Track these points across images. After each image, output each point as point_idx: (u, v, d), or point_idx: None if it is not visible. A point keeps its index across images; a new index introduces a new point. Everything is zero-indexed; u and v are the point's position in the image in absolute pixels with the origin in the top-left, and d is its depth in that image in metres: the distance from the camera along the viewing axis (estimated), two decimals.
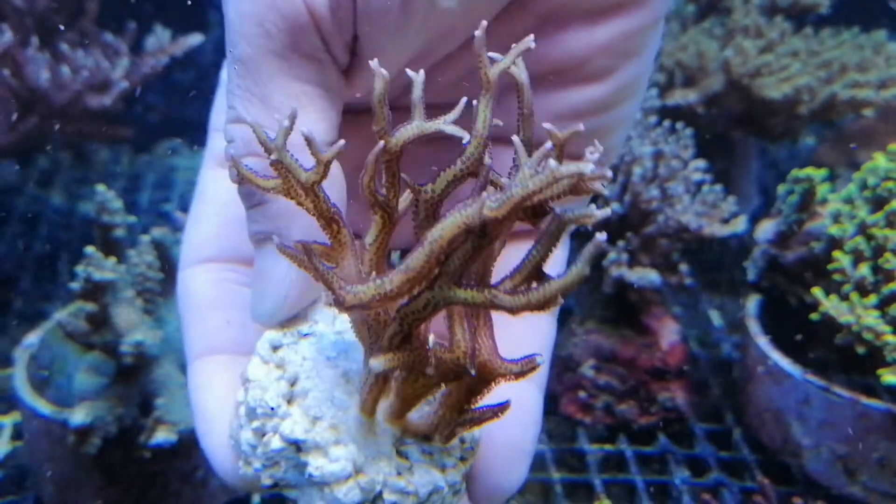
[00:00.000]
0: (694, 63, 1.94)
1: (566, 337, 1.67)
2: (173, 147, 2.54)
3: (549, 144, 0.41)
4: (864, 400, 1.40)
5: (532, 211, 0.40)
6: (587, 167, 0.38)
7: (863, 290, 1.43)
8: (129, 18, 2.03)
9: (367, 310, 0.42)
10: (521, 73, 0.44)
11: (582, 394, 1.61)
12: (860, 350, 1.39)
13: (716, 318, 1.93)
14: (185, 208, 1.86)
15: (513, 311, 0.39)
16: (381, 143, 0.42)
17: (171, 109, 2.54)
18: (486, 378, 0.43)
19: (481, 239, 0.39)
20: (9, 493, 1.46)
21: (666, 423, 1.60)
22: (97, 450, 1.27)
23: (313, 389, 0.46)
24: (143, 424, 1.29)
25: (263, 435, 0.46)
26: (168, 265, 1.44)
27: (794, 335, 1.56)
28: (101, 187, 1.41)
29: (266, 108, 0.46)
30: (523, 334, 0.50)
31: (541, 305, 0.39)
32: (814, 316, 1.45)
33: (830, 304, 1.42)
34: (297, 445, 0.45)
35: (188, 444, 1.33)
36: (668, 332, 1.62)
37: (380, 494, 0.45)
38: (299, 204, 0.45)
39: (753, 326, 1.57)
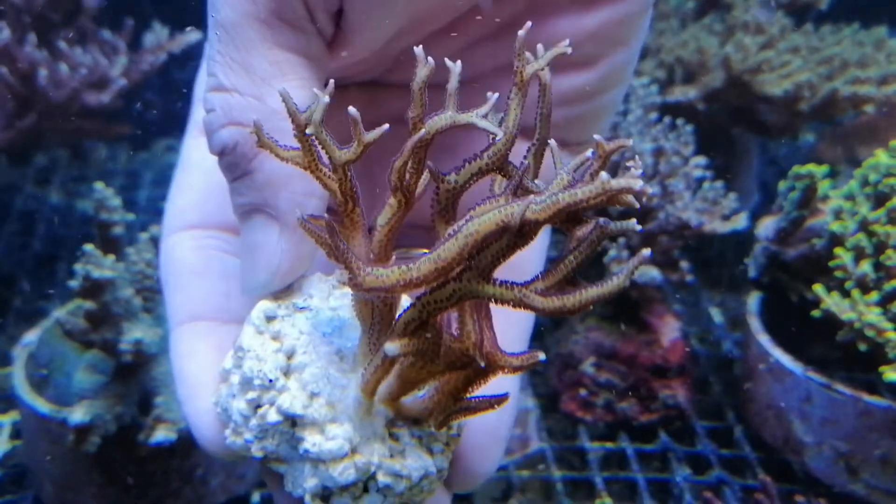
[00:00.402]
0: (694, 59, 1.93)
1: (567, 334, 1.66)
2: (171, 144, 2.53)
3: (590, 152, 0.41)
4: (866, 397, 1.39)
5: (567, 216, 0.41)
6: (637, 183, 0.38)
7: (864, 286, 1.42)
8: (126, 15, 2.02)
9: (386, 294, 0.42)
10: (546, 74, 0.45)
11: (583, 391, 1.60)
12: (862, 347, 1.39)
13: (716, 315, 1.93)
14: None
15: (544, 312, 0.40)
16: (422, 130, 0.42)
17: (168, 107, 2.54)
18: (488, 369, 0.43)
19: (518, 238, 0.39)
20: (8, 492, 1.45)
21: (667, 420, 1.60)
22: (96, 448, 1.26)
23: (310, 365, 0.46)
24: (143, 423, 1.29)
25: (258, 407, 0.46)
26: None
27: (795, 332, 1.56)
28: (99, 185, 1.40)
29: (248, 76, 0.46)
30: (501, 322, 0.50)
31: (574, 310, 0.40)
32: (815, 313, 1.45)
33: (832, 301, 1.42)
34: (293, 420, 0.45)
35: (188, 442, 1.32)
36: (669, 330, 1.61)
37: (374, 475, 0.45)
38: (319, 179, 0.44)
39: (754, 324, 1.57)
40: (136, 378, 1.30)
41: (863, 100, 1.83)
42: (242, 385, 0.47)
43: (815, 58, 1.86)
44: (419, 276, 0.40)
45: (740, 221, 1.60)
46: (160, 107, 2.54)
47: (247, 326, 0.48)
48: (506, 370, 0.42)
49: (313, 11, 0.46)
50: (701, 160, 1.60)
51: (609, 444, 1.57)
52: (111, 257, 1.29)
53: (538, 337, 1.79)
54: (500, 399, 0.45)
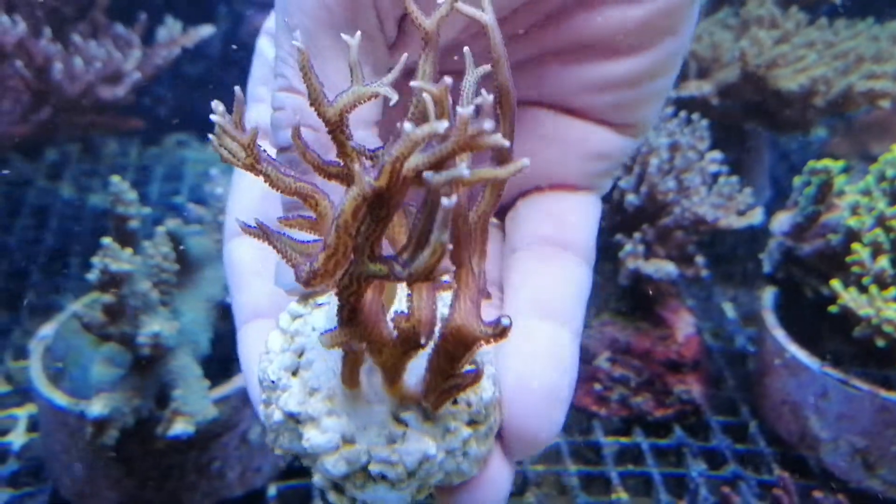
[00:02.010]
0: (708, 54, 1.93)
1: None
2: (182, 140, 2.53)
3: (471, 108, 0.38)
4: (884, 393, 1.39)
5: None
6: (441, 125, 0.36)
7: (882, 282, 1.42)
8: (139, 10, 2.02)
9: (312, 287, 0.42)
10: (485, 15, 0.44)
11: (597, 386, 1.60)
12: (880, 343, 1.38)
13: (729, 310, 1.92)
14: (194, 200, 1.86)
15: (407, 281, 0.39)
16: (329, 112, 0.42)
17: (179, 102, 2.54)
18: (463, 343, 0.42)
19: (379, 210, 0.39)
20: (25, 484, 1.46)
21: (682, 415, 1.60)
22: (114, 441, 1.26)
23: (317, 360, 0.46)
24: (160, 416, 1.29)
25: (269, 406, 0.47)
26: (183, 257, 1.43)
27: (808, 328, 1.56)
28: (115, 178, 1.40)
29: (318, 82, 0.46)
30: (557, 284, 0.50)
31: (425, 275, 0.38)
32: (832, 308, 1.44)
33: (849, 297, 1.42)
34: (295, 418, 0.45)
35: (205, 436, 1.33)
36: (684, 325, 1.61)
37: (366, 465, 0.44)
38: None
39: (770, 319, 1.57)
40: (154, 371, 1.30)
41: (879, 95, 1.82)
42: (259, 386, 0.47)
43: (830, 52, 1.86)
44: (319, 268, 0.41)
45: (756, 216, 1.59)
46: (171, 102, 2.54)
47: (275, 328, 0.49)
48: (484, 340, 0.42)
49: (384, 20, 0.46)
50: (717, 155, 1.60)
51: (624, 439, 1.57)
52: (129, 251, 1.29)
53: None
54: (476, 375, 0.43)
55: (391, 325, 0.42)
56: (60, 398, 1.33)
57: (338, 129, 0.42)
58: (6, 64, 1.70)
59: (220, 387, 1.34)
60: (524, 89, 0.51)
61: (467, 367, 0.44)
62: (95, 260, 1.25)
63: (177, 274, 1.39)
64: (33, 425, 1.56)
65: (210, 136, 0.44)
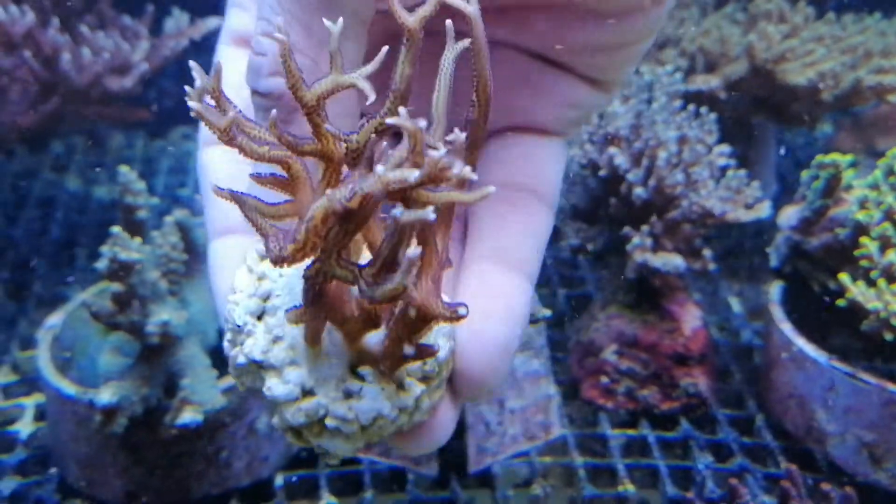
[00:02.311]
0: (716, 49, 1.93)
1: (588, 322, 1.66)
2: (188, 133, 2.53)
3: (443, 151, 0.40)
4: (892, 387, 1.39)
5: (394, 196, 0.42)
6: (412, 175, 0.39)
7: (890, 276, 1.42)
8: (146, 1, 2.02)
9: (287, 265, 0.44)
10: (469, 7, 0.43)
11: (604, 379, 1.60)
12: (888, 337, 1.38)
13: (735, 305, 1.92)
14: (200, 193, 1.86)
15: (369, 301, 0.42)
16: (307, 98, 0.43)
17: (185, 94, 2.53)
18: (424, 318, 0.44)
19: (347, 223, 0.41)
20: (33, 473, 1.46)
21: (688, 408, 1.60)
22: (122, 430, 1.27)
23: (283, 307, 0.47)
24: (168, 405, 1.29)
25: (234, 347, 0.48)
26: (191, 247, 1.43)
27: (815, 322, 1.56)
28: (123, 168, 1.40)
29: (308, 37, 0.46)
30: (520, 233, 0.52)
31: (386, 301, 0.42)
32: (840, 302, 1.44)
33: (858, 290, 1.42)
34: (258, 364, 0.47)
35: (212, 425, 1.33)
36: (691, 318, 1.61)
37: (323, 418, 0.46)
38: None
39: (777, 312, 1.57)
40: (162, 360, 1.31)
41: (887, 89, 1.82)
42: (224, 323, 0.49)
43: (838, 47, 1.85)
44: (289, 255, 0.43)
45: (764, 210, 1.59)
46: (177, 94, 2.54)
47: (242, 265, 0.50)
48: (441, 319, 0.44)
49: None
50: (725, 148, 1.60)
51: (631, 432, 1.57)
52: (138, 240, 1.29)
53: (559, 324, 1.79)
54: (429, 350, 0.45)
55: (354, 304, 0.45)
56: (68, 387, 1.33)
57: (314, 112, 0.43)
58: (14, 54, 1.70)
59: (228, 376, 1.34)
60: (506, 34, 0.51)
61: (423, 341, 0.46)
62: (104, 249, 1.25)
63: (185, 264, 1.39)
64: (40, 414, 1.56)
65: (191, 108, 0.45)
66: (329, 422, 0.46)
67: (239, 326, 0.47)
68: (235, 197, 0.45)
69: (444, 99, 0.44)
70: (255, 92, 0.48)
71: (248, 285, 0.49)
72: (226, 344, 0.49)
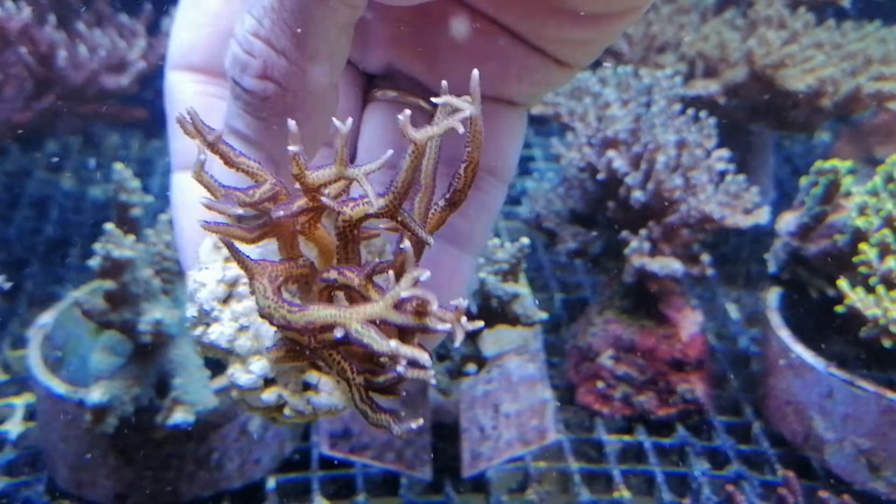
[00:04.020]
0: (716, 54, 1.92)
1: (584, 327, 1.65)
2: None
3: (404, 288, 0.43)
4: (890, 394, 1.38)
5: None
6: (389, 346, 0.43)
7: (889, 282, 1.41)
8: (144, 0, 2.01)
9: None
10: (473, 108, 0.45)
11: (600, 384, 1.59)
12: (887, 343, 1.37)
13: (733, 311, 1.91)
14: None
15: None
16: (308, 178, 0.46)
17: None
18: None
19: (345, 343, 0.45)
20: (22, 473, 1.44)
21: (685, 414, 1.58)
22: (113, 430, 1.25)
23: (247, 297, 0.49)
24: (159, 405, 1.28)
25: (197, 326, 0.50)
26: None
27: (813, 329, 1.55)
28: (118, 166, 1.39)
29: (299, 48, 0.46)
30: (474, 212, 0.53)
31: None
32: (839, 308, 1.43)
33: (856, 297, 1.41)
34: (223, 351, 0.49)
35: (204, 426, 1.31)
36: (689, 324, 1.60)
37: (282, 406, 0.49)
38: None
39: (775, 319, 1.56)
40: (154, 360, 1.29)
41: (886, 96, 1.81)
42: (189, 297, 0.50)
43: (838, 53, 1.85)
44: (293, 325, 0.45)
45: (763, 216, 1.58)
46: None
47: (207, 238, 0.51)
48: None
49: None
50: (724, 153, 1.59)
51: (627, 437, 1.56)
52: (131, 237, 1.28)
53: (555, 329, 1.77)
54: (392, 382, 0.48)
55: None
56: (59, 386, 1.32)
57: (315, 193, 0.46)
58: (10, 50, 1.69)
59: (220, 377, 1.32)
60: (486, 7, 0.51)
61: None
62: (98, 246, 1.24)
63: (179, 262, 1.38)
64: (30, 414, 1.55)
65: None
66: (287, 412, 0.49)
67: (206, 311, 0.49)
68: (213, 228, 0.46)
69: (432, 169, 0.47)
70: (236, 84, 0.48)
71: (216, 268, 0.49)
72: (189, 314, 0.50)
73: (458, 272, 0.53)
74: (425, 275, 0.42)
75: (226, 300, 0.49)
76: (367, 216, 0.46)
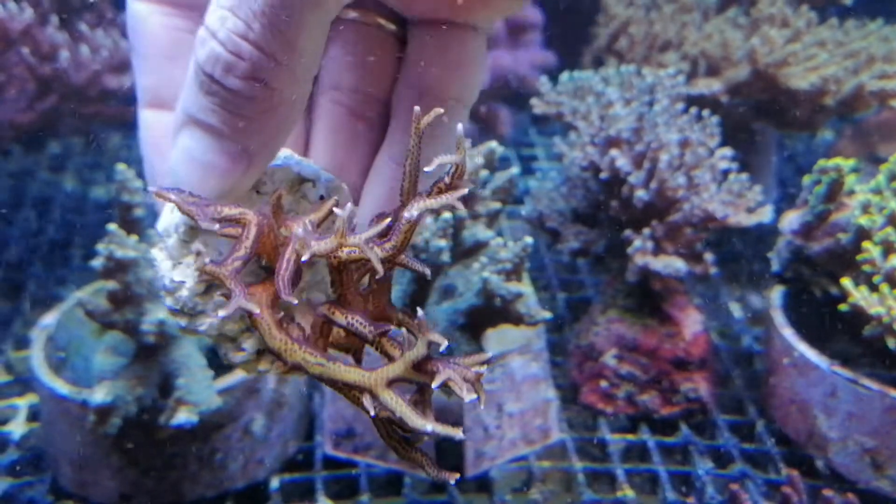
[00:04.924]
0: (718, 52, 1.92)
1: (587, 326, 1.65)
2: None
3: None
4: (894, 393, 1.38)
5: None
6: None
7: (893, 281, 1.41)
8: None
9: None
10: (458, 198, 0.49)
11: (603, 383, 1.59)
12: (890, 342, 1.37)
13: (736, 310, 1.91)
14: None
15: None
16: (304, 256, 0.48)
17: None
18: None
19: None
20: (25, 474, 1.44)
21: (688, 413, 1.58)
22: (116, 430, 1.25)
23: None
24: (163, 405, 1.28)
25: (179, 314, 0.51)
26: None
27: (816, 328, 1.54)
28: (121, 166, 1.39)
29: (290, 52, 0.46)
30: (437, 139, 0.54)
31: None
32: (842, 307, 1.43)
33: (860, 296, 1.40)
34: (215, 337, 0.52)
35: (208, 426, 1.31)
36: (692, 323, 1.60)
37: (266, 372, 0.52)
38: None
39: (778, 318, 1.55)
40: (157, 360, 1.29)
41: (889, 95, 1.81)
42: (166, 288, 0.51)
43: (841, 52, 1.85)
44: (294, 363, 0.48)
45: (766, 214, 1.58)
46: None
47: (171, 225, 0.51)
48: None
49: None
50: (727, 152, 1.59)
51: (630, 437, 1.56)
52: (134, 238, 1.28)
53: (558, 328, 1.77)
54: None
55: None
56: (62, 386, 1.32)
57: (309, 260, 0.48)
58: (12, 51, 1.69)
59: (223, 377, 1.32)
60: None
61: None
62: (100, 247, 1.24)
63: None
64: (34, 415, 1.55)
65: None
66: (269, 376, 0.58)
67: (191, 307, 0.50)
68: (166, 195, 0.47)
69: (415, 169, 0.49)
70: (215, 81, 0.47)
71: (190, 264, 0.50)
72: (167, 303, 0.51)
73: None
74: (443, 345, 0.45)
75: (206, 292, 0.51)
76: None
